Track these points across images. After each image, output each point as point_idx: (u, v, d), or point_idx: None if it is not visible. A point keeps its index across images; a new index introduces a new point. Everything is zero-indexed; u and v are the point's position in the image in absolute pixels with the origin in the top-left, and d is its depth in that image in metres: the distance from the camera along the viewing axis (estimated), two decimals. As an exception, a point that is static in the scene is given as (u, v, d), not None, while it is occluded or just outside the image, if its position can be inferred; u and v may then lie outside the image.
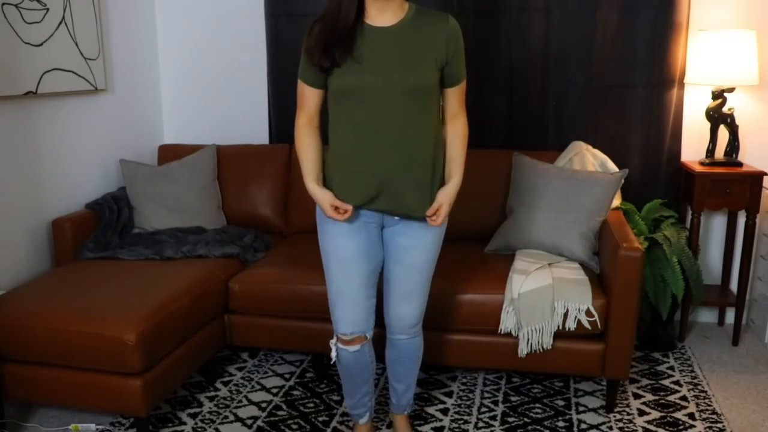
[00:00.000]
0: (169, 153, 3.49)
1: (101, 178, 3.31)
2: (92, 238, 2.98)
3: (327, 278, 2.17)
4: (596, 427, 2.56)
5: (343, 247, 2.10)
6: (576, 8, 3.21)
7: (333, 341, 2.21)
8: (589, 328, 2.51)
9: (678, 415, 2.63)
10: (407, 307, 2.19)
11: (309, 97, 2.07)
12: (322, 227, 2.15)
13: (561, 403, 2.73)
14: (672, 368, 3.01)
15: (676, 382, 2.88)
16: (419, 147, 2.02)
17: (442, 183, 2.11)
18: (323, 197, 2.05)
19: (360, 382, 2.29)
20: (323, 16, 1.98)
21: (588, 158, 3.07)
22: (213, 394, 2.82)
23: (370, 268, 2.14)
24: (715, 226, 3.44)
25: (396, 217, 2.10)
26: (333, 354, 2.22)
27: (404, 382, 2.35)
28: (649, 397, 2.77)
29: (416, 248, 2.13)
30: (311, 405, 2.73)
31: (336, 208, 2.06)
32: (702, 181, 3.09)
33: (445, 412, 2.67)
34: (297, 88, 2.10)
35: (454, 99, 2.12)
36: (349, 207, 2.04)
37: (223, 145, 3.50)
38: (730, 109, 3.14)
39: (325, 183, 2.10)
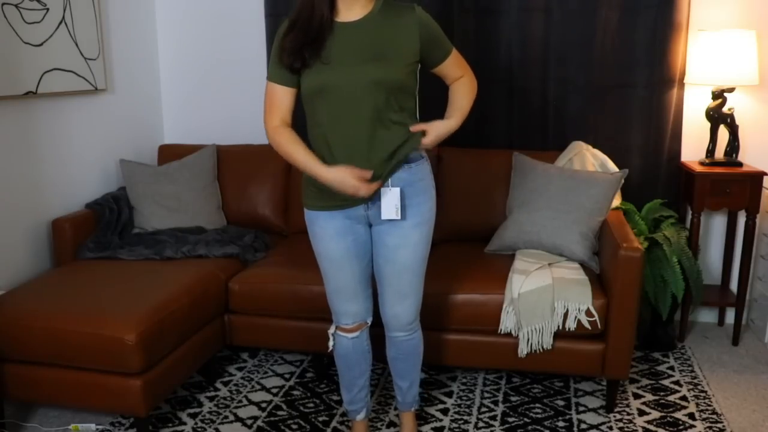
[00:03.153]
0: (169, 153, 3.49)
1: (101, 178, 3.31)
2: (92, 238, 2.98)
3: (323, 275, 2.21)
4: (596, 427, 2.56)
5: (332, 249, 2.13)
6: (576, 8, 3.21)
7: (331, 330, 2.27)
8: (589, 328, 2.51)
9: (678, 415, 2.63)
10: (402, 306, 2.19)
11: (281, 98, 2.04)
12: (311, 230, 2.16)
13: (561, 403, 2.73)
14: (672, 368, 3.01)
15: (676, 382, 2.88)
16: (389, 142, 2.01)
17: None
18: (344, 174, 1.98)
19: (358, 374, 2.31)
20: (297, 17, 1.96)
21: (588, 158, 3.07)
22: (213, 394, 2.82)
23: (362, 266, 2.17)
24: (715, 226, 3.44)
25: (382, 217, 2.08)
26: (330, 343, 2.28)
27: (407, 378, 2.35)
28: (649, 397, 2.77)
29: (404, 247, 2.11)
30: (311, 405, 2.73)
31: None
32: (702, 181, 3.09)
33: (445, 412, 2.67)
34: (266, 91, 2.07)
35: (451, 68, 2.13)
36: (368, 173, 1.98)
37: (223, 145, 3.50)
38: (730, 109, 3.14)
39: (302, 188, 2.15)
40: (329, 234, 2.11)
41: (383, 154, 2.01)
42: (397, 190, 2.05)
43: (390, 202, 2.05)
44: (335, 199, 2.06)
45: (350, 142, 1.99)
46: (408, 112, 2.07)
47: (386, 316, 2.23)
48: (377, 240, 2.15)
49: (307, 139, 2.09)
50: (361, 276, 2.18)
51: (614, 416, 2.63)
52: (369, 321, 2.26)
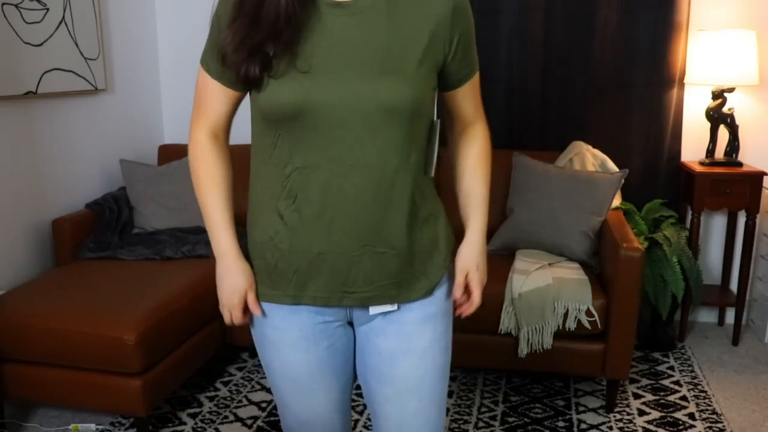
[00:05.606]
0: (169, 153, 3.48)
1: (101, 178, 3.31)
2: (92, 238, 2.98)
3: (277, 400, 1.43)
4: (596, 427, 2.56)
5: (296, 364, 1.35)
6: (576, 8, 3.22)
7: None
8: (589, 328, 2.51)
9: (678, 415, 2.63)
10: None
11: (216, 100, 1.33)
12: (259, 332, 1.41)
13: (561, 403, 2.73)
14: (672, 368, 3.01)
15: (676, 382, 2.88)
16: (404, 197, 1.27)
17: (448, 240, 1.40)
18: (239, 280, 1.37)
19: None
20: None
21: (588, 158, 3.07)
22: (213, 394, 2.82)
23: (341, 385, 1.40)
24: (715, 226, 3.44)
25: (370, 311, 1.33)
26: None
27: None
28: (649, 397, 2.77)
29: (407, 353, 1.33)
30: (311, 405, 2.73)
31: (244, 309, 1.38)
32: (702, 181, 3.09)
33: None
34: (197, 79, 1.33)
35: (468, 102, 1.42)
36: (257, 312, 1.38)
37: (223, 145, 3.49)
38: (730, 109, 3.14)
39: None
40: (291, 340, 1.34)
41: (385, 217, 1.25)
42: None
43: None
44: (301, 287, 1.29)
45: (337, 197, 1.22)
46: (423, 152, 1.35)
47: None
48: (364, 345, 1.36)
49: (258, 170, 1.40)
50: (340, 401, 1.40)
51: (614, 416, 2.63)
52: None
